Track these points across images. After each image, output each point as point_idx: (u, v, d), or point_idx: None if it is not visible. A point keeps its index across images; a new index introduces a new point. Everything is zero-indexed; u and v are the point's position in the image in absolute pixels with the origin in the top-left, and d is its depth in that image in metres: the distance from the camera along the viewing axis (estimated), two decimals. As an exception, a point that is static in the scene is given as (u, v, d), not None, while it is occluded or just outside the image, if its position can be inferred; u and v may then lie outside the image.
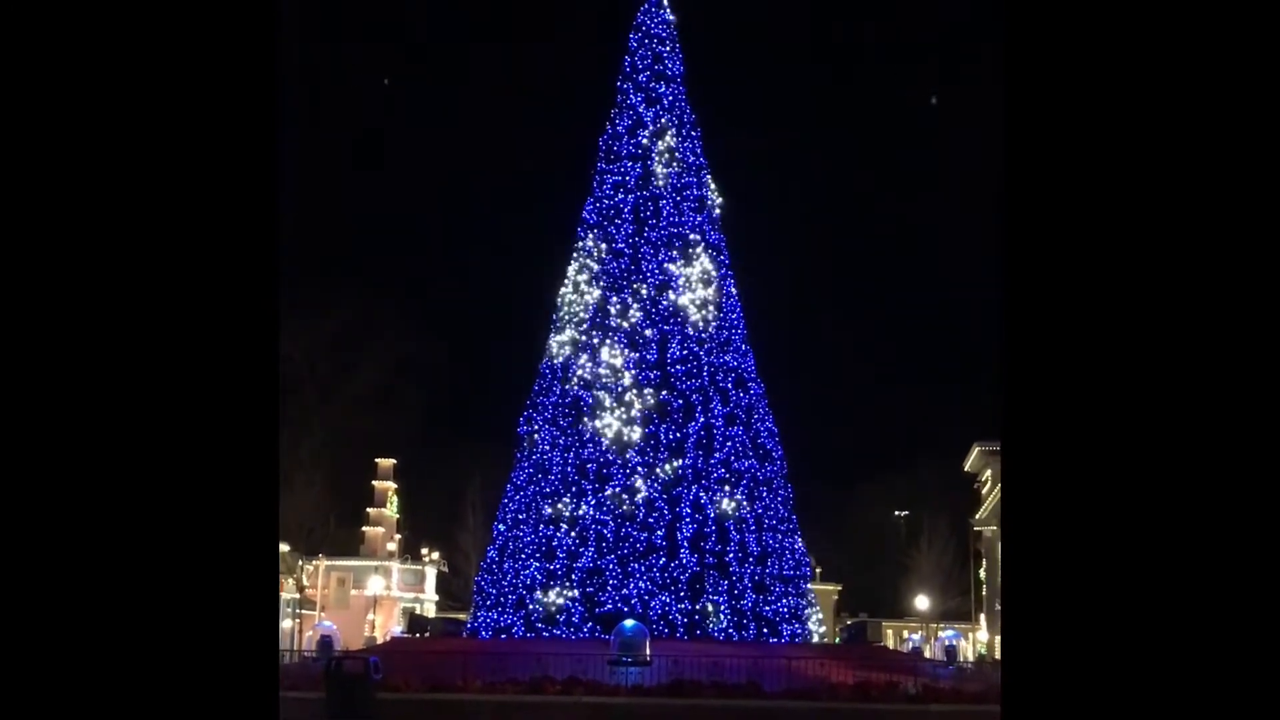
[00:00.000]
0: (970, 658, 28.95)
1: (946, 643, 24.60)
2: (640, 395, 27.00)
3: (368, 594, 52.93)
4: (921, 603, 60.32)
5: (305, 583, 52.44)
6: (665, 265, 28.38)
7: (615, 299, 28.14)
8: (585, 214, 29.93)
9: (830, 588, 57.60)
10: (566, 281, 29.39)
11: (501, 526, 28.05)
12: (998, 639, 40.81)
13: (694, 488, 26.20)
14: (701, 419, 26.95)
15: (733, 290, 29.52)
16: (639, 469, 26.25)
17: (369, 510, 58.07)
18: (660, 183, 29.28)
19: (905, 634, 58.12)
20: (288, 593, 49.02)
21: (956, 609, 59.14)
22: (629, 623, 21.21)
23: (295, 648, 41.92)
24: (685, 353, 27.58)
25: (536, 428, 27.80)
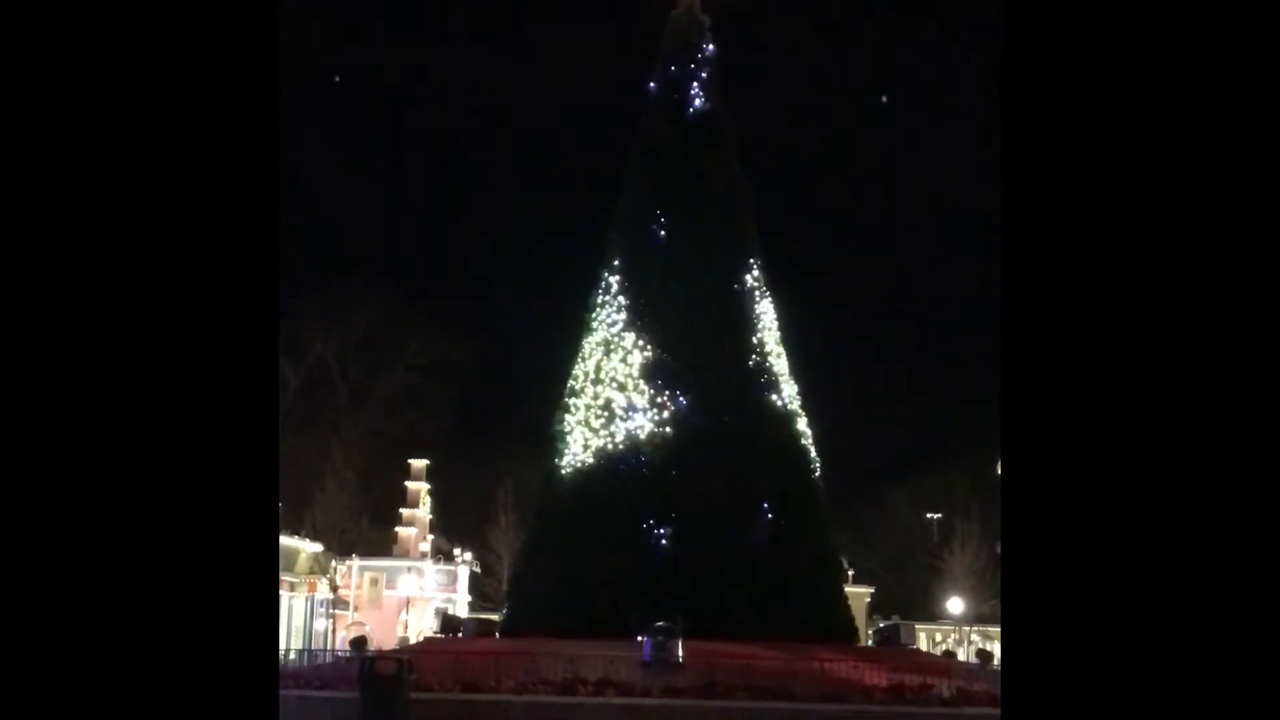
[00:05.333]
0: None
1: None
2: (673, 396, 26.92)
3: (401, 594, 53.18)
4: (955, 606, 59.98)
5: (339, 583, 52.77)
6: (698, 266, 28.27)
7: (646, 299, 28.06)
8: (618, 213, 29.87)
9: (863, 590, 57.29)
10: (599, 280, 29.34)
11: (533, 527, 28.06)
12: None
13: (727, 489, 26.08)
14: (735, 420, 26.83)
15: (766, 292, 29.38)
16: (672, 470, 26.16)
17: (401, 511, 58.36)
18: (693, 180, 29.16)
19: (938, 637, 57.82)
20: (322, 593, 49.32)
21: (991, 613, 58.74)
22: (661, 624, 21.15)
23: (330, 647, 42.16)
24: (718, 353, 27.46)
25: (569, 429, 27.77)
